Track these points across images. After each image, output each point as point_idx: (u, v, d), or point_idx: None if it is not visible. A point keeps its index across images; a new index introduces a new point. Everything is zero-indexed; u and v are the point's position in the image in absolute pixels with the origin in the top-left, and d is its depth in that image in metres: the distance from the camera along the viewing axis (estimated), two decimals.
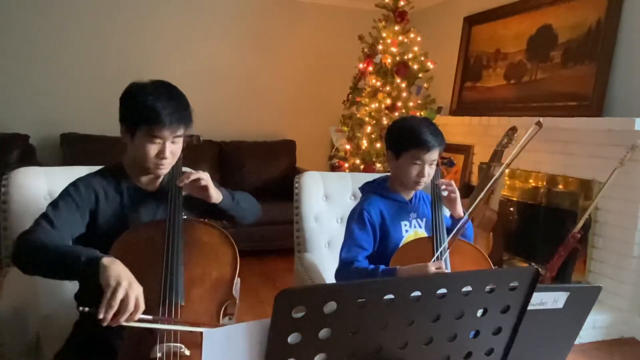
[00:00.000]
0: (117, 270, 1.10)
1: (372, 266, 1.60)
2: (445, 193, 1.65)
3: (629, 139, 2.77)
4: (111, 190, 1.39)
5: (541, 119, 1.48)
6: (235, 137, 4.80)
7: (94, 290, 1.33)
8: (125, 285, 1.07)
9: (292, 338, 0.70)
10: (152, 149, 1.32)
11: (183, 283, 1.26)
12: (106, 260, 1.12)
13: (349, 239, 1.67)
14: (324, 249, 2.11)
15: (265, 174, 4.68)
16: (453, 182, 1.67)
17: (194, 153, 4.48)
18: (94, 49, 4.39)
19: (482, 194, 1.58)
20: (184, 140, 1.41)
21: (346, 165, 4.05)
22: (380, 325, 0.74)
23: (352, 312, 0.71)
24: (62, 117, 4.31)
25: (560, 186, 3.33)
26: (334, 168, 4.22)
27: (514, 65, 3.82)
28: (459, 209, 1.67)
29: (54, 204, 1.31)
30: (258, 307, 3.10)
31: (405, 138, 1.62)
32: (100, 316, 1.05)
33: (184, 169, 1.51)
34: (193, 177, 1.37)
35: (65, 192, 1.35)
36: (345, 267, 1.64)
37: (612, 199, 2.95)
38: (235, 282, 1.35)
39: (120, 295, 1.06)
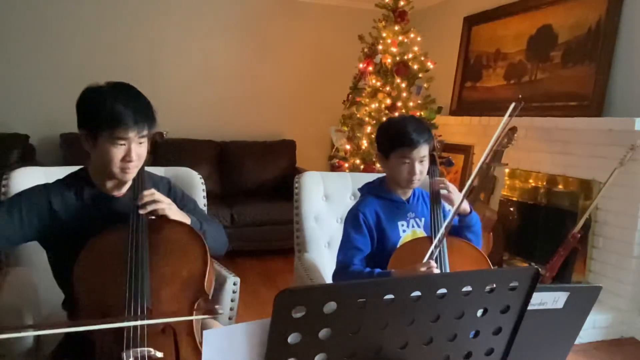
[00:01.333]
0: None
1: (367, 269, 1.60)
2: (444, 192, 1.65)
3: (629, 139, 2.77)
4: (71, 197, 1.36)
5: (520, 96, 1.47)
6: (235, 137, 4.80)
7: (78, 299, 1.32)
8: None
9: (292, 338, 0.70)
10: (117, 153, 1.27)
11: (149, 285, 1.23)
12: None
13: (345, 242, 1.68)
14: (324, 249, 2.11)
15: (265, 174, 4.68)
16: (446, 180, 1.67)
17: (194, 153, 4.53)
18: (95, 49, 4.39)
19: (472, 177, 1.56)
20: (148, 139, 1.37)
21: (346, 165, 4.05)
22: (380, 325, 0.74)
23: (352, 312, 0.71)
24: (62, 117, 4.30)
25: (560, 186, 3.33)
26: (334, 168, 4.22)
27: (514, 65, 3.82)
28: (463, 207, 1.65)
29: None
30: (258, 307, 3.10)
31: (391, 138, 1.63)
32: None
33: (148, 168, 1.46)
34: (151, 207, 1.30)
35: (16, 196, 1.33)
36: (341, 270, 1.65)
37: (612, 199, 2.95)
38: (206, 276, 1.30)
39: None
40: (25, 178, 1.70)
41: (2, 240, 1.29)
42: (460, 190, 1.64)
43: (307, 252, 2.06)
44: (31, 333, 1.06)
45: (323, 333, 0.71)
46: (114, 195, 1.40)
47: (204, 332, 0.71)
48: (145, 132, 1.29)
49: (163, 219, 1.33)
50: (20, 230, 1.30)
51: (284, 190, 4.20)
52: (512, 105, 1.47)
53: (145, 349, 1.15)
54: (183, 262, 1.31)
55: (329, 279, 1.87)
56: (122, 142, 1.27)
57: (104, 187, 1.39)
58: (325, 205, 2.14)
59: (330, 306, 0.69)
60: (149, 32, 4.56)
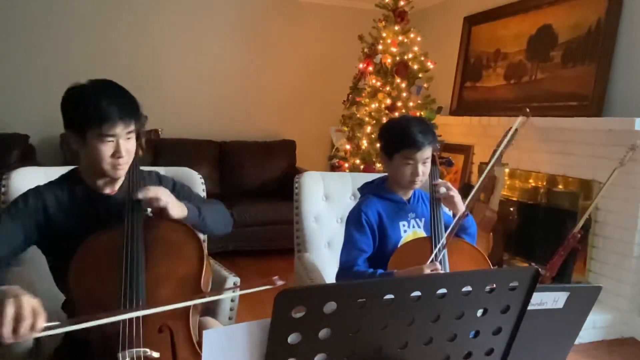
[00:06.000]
0: (2, 291, 1.02)
1: (370, 270, 1.60)
2: (442, 190, 1.63)
3: (629, 139, 2.77)
4: (65, 198, 1.35)
5: (528, 109, 1.47)
6: (235, 137, 4.80)
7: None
8: (12, 299, 0.99)
9: (292, 338, 0.70)
10: (106, 150, 1.27)
11: (144, 285, 1.22)
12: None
13: (348, 242, 1.67)
14: (324, 249, 2.11)
15: (265, 174, 4.68)
16: (449, 183, 1.66)
17: (194, 153, 4.53)
18: (95, 49, 4.39)
19: (476, 187, 1.57)
20: (144, 137, 1.36)
21: (346, 165, 4.05)
22: (380, 325, 0.74)
23: (352, 312, 0.71)
24: (62, 117, 4.31)
25: (560, 186, 3.33)
26: (334, 168, 4.22)
27: (514, 65, 3.82)
28: (460, 207, 1.66)
29: None
30: (258, 307, 3.09)
31: (396, 139, 1.62)
32: None
33: (149, 168, 1.47)
34: (150, 194, 1.29)
35: (13, 203, 1.33)
36: (344, 271, 1.64)
37: (612, 199, 2.95)
38: (203, 276, 1.30)
39: (9, 309, 0.98)
40: (25, 178, 1.69)
41: (9, 250, 1.27)
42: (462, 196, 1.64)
43: (307, 252, 2.06)
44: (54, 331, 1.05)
45: (323, 333, 0.71)
46: (107, 194, 1.40)
47: (204, 332, 0.71)
48: (132, 127, 1.29)
49: (158, 217, 1.33)
50: (24, 237, 1.30)
51: (284, 190, 4.19)
52: (520, 118, 1.46)
53: (142, 349, 1.14)
54: (179, 262, 1.30)
55: (329, 279, 1.87)
56: (110, 138, 1.26)
57: (96, 185, 1.38)
58: (325, 205, 2.14)
59: (330, 306, 0.69)
60: (149, 32, 4.55)
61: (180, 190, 1.51)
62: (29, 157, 3.98)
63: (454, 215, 1.67)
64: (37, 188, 1.36)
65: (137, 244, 1.25)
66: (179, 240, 1.33)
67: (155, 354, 1.16)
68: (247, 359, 0.71)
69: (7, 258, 1.28)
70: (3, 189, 1.69)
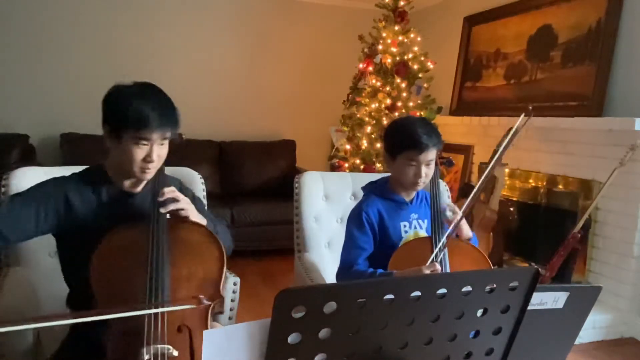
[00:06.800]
0: None
1: (370, 270, 1.60)
2: (449, 213, 1.60)
3: (629, 139, 2.77)
4: (88, 192, 1.36)
5: (530, 107, 1.46)
6: (235, 137, 4.80)
7: (81, 294, 1.31)
8: None
9: (292, 338, 0.70)
10: (139, 153, 1.29)
11: (169, 283, 1.24)
12: None
13: (349, 241, 1.67)
14: (324, 249, 2.11)
15: (265, 174, 4.68)
16: (455, 207, 1.63)
17: (194, 153, 4.52)
18: (94, 49, 4.39)
19: (476, 188, 1.56)
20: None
21: (346, 165, 4.05)
22: (380, 325, 0.74)
23: (352, 312, 0.71)
24: (62, 117, 4.31)
25: (560, 186, 3.33)
26: (334, 168, 4.22)
27: (514, 65, 3.82)
28: (466, 231, 1.64)
29: (13, 196, 1.30)
30: (258, 307, 3.10)
31: (400, 139, 1.62)
32: None
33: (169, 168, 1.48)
34: (172, 207, 1.31)
35: (33, 188, 1.33)
36: (345, 270, 1.64)
37: (612, 199, 2.95)
38: (222, 280, 1.32)
39: None
40: (25, 178, 1.69)
41: (18, 232, 1.28)
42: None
43: (307, 252, 2.06)
44: (44, 324, 1.03)
45: (323, 333, 0.71)
46: (131, 192, 1.41)
47: (204, 332, 0.71)
48: (168, 134, 1.32)
49: (181, 218, 1.34)
50: (35, 223, 1.30)
51: (284, 190, 4.19)
52: (522, 116, 1.45)
53: (166, 346, 1.16)
54: (200, 264, 1.32)
55: (329, 279, 1.87)
56: (145, 142, 1.29)
57: (121, 183, 1.40)
58: (325, 205, 2.14)
59: (330, 306, 0.69)
60: (149, 32, 4.55)
61: (197, 203, 1.52)
62: (29, 157, 3.98)
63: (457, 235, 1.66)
64: (59, 178, 1.38)
65: (163, 243, 1.27)
66: (201, 242, 1.34)
67: (175, 352, 1.17)
68: (247, 359, 0.71)
69: (7, 235, 1.27)
70: (3, 189, 1.69)
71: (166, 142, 1.34)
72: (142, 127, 1.26)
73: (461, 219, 1.58)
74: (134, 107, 1.26)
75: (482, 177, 1.49)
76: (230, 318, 1.71)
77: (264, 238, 4.17)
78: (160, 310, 1.17)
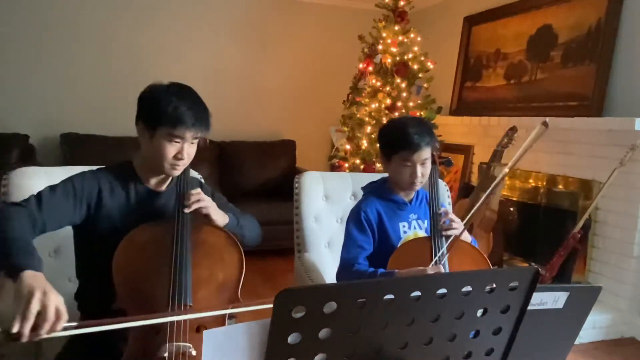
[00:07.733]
0: (31, 281, 1.00)
1: (371, 269, 1.60)
2: (446, 224, 1.60)
3: (629, 139, 2.77)
4: (118, 187, 1.40)
5: (547, 119, 1.46)
6: (235, 137, 4.80)
7: (92, 288, 1.32)
8: (39, 295, 0.97)
9: (292, 338, 0.70)
10: (171, 150, 1.33)
11: (191, 284, 1.26)
12: (27, 273, 1.02)
13: (348, 240, 1.67)
14: (324, 249, 2.11)
15: (265, 174, 4.68)
16: (453, 215, 1.63)
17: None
18: (95, 49, 4.38)
19: (482, 199, 1.57)
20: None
21: (346, 165, 4.05)
22: (380, 325, 0.74)
23: (352, 312, 0.71)
24: (62, 117, 4.31)
25: (560, 186, 3.33)
26: (334, 168, 4.22)
27: (514, 65, 3.82)
28: (465, 237, 1.63)
29: (52, 187, 1.32)
30: None
31: (393, 140, 1.62)
32: (15, 330, 0.93)
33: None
34: (195, 206, 1.36)
35: (69, 180, 1.35)
36: (345, 269, 1.64)
37: (612, 199, 2.95)
38: (241, 282, 1.35)
39: (34, 305, 0.96)
40: (25, 178, 1.69)
41: (56, 223, 1.30)
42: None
43: (307, 252, 2.06)
44: (74, 331, 1.02)
45: (323, 333, 0.71)
46: (156, 190, 1.44)
47: (204, 332, 0.72)
48: (199, 134, 1.37)
49: (204, 220, 1.38)
50: (72, 214, 1.33)
51: (284, 190, 4.19)
52: (537, 127, 1.45)
53: (187, 344, 1.17)
54: (220, 266, 1.35)
55: (329, 279, 1.87)
56: (178, 140, 1.33)
57: (148, 181, 1.43)
58: (325, 205, 2.14)
59: (330, 306, 0.69)
60: (149, 33, 4.55)
61: (217, 200, 1.55)
62: (29, 157, 3.98)
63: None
64: (95, 171, 1.41)
65: (186, 244, 1.30)
66: (222, 245, 1.38)
67: (194, 352, 1.18)
68: (247, 359, 0.71)
69: (48, 226, 1.28)
70: (3, 189, 1.69)
71: (196, 142, 1.40)
72: (177, 125, 1.31)
73: (461, 233, 1.58)
74: (173, 106, 1.31)
75: (487, 192, 1.49)
76: (235, 319, 1.71)
77: (264, 238, 4.12)
78: (196, 315, 1.18)
